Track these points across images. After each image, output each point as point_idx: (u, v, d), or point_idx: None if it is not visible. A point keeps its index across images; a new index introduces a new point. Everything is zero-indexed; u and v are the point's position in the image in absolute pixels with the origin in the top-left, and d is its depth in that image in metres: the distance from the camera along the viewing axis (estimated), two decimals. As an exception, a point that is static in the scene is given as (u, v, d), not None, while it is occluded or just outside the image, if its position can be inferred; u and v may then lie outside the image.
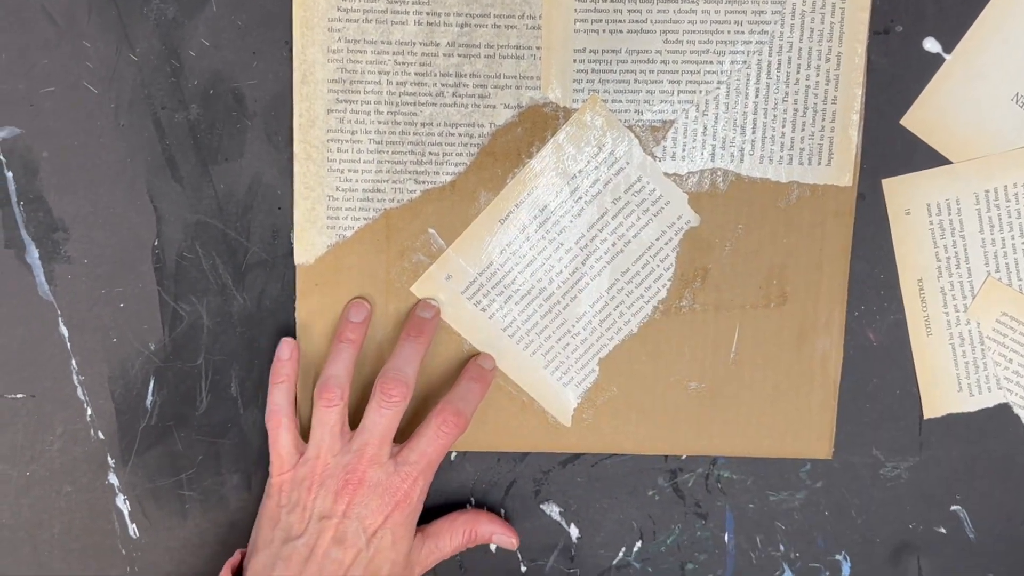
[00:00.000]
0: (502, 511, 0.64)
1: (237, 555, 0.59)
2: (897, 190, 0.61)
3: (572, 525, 0.64)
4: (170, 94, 0.60)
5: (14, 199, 0.60)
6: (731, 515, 0.64)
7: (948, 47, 0.60)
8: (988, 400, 0.63)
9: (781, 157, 0.60)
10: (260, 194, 0.61)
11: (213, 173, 0.60)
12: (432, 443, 0.59)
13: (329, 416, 0.58)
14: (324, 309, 0.61)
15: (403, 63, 0.59)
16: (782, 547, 0.64)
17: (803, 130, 0.60)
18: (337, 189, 0.60)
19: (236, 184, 0.60)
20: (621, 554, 0.64)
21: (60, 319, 0.61)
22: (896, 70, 0.60)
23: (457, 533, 0.62)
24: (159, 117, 0.60)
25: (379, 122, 0.60)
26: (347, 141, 0.60)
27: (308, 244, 0.61)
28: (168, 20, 0.59)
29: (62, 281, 0.61)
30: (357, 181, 0.60)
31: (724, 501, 0.64)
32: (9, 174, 0.60)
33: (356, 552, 0.57)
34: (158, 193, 0.60)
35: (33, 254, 0.61)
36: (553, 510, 0.64)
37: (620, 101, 0.60)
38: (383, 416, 0.58)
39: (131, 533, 0.63)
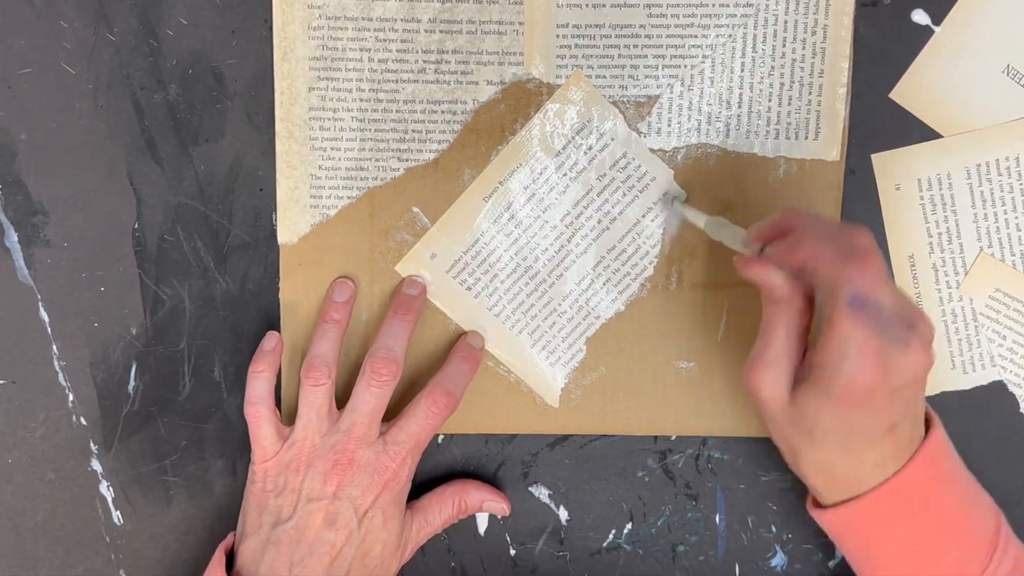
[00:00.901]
0: (491, 495, 0.63)
1: (230, 537, 0.59)
2: (887, 165, 0.60)
3: (561, 507, 0.63)
4: (149, 74, 0.59)
5: (-8, 182, 0.60)
6: (722, 496, 0.63)
7: (937, 19, 0.59)
8: (982, 378, 0.62)
9: (768, 132, 0.60)
10: (242, 175, 0.60)
11: (193, 154, 0.60)
12: (421, 423, 0.58)
13: (316, 396, 0.58)
14: (308, 289, 0.60)
15: (384, 40, 0.58)
16: (774, 528, 0.64)
17: (789, 104, 0.59)
18: (320, 167, 0.59)
19: (217, 165, 0.60)
20: (611, 536, 0.64)
21: (40, 304, 0.61)
22: (884, 43, 0.59)
23: (446, 505, 0.61)
24: (138, 98, 0.59)
25: (361, 100, 0.59)
26: (329, 119, 0.59)
27: (291, 223, 0.60)
28: (145, -2, 0.58)
29: (42, 265, 0.60)
30: (340, 159, 0.59)
31: (715, 482, 0.63)
32: (-13, 157, 0.59)
33: (347, 533, 0.56)
34: (138, 175, 0.60)
35: (12, 238, 0.60)
36: (542, 492, 0.63)
37: (604, 76, 0.59)
38: (373, 395, 0.57)
39: (115, 520, 0.63)
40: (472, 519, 0.63)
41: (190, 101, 0.59)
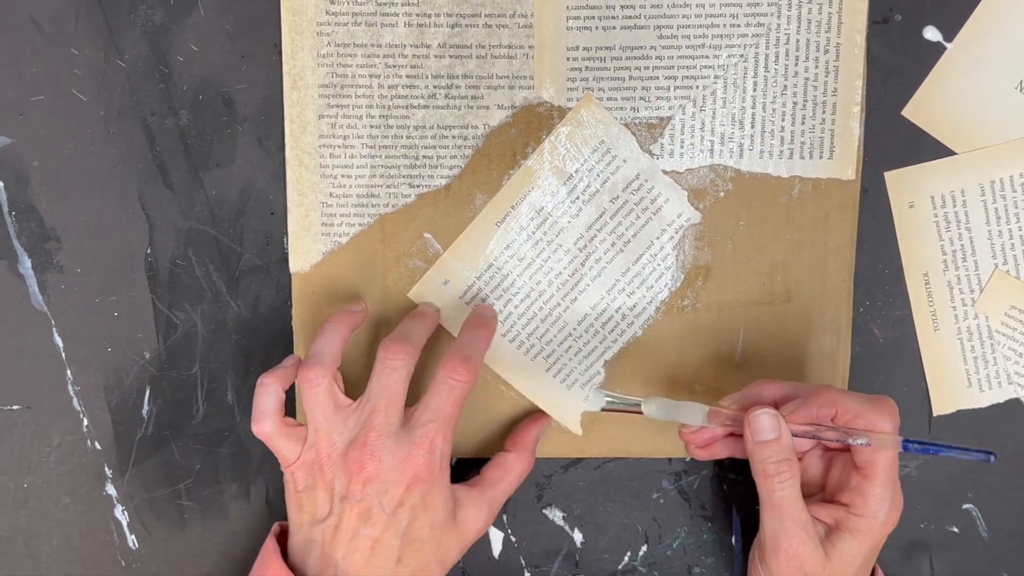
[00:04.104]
0: (504, 516, 0.63)
1: (277, 526, 0.58)
2: (900, 182, 0.60)
3: (576, 530, 0.63)
4: (159, 100, 0.59)
5: (5, 209, 0.60)
6: (738, 517, 0.63)
7: (949, 35, 0.59)
8: (998, 395, 0.62)
9: (782, 152, 0.59)
10: (252, 199, 0.60)
11: (204, 179, 0.60)
12: (444, 396, 0.54)
13: (315, 396, 0.54)
14: (321, 317, 0.60)
15: (394, 66, 0.58)
16: (790, 548, 0.63)
17: (803, 123, 0.59)
18: (331, 195, 0.59)
19: (228, 190, 0.60)
20: (627, 559, 0.64)
21: (54, 329, 0.61)
22: (896, 60, 0.59)
23: (512, 473, 0.58)
24: (149, 124, 0.59)
25: (371, 126, 0.59)
26: (339, 146, 0.59)
27: (303, 251, 0.60)
28: (156, 26, 0.58)
29: (55, 291, 0.60)
30: (351, 187, 0.59)
31: (730, 503, 0.63)
32: (0, 184, 0.59)
33: (384, 525, 0.54)
34: (150, 200, 0.60)
35: (26, 264, 0.60)
36: (556, 515, 0.63)
37: (615, 99, 0.59)
38: (387, 378, 0.54)
39: (130, 544, 0.63)
40: (486, 542, 0.63)
41: (201, 126, 0.59)
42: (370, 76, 0.58)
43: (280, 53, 0.58)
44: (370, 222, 0.60)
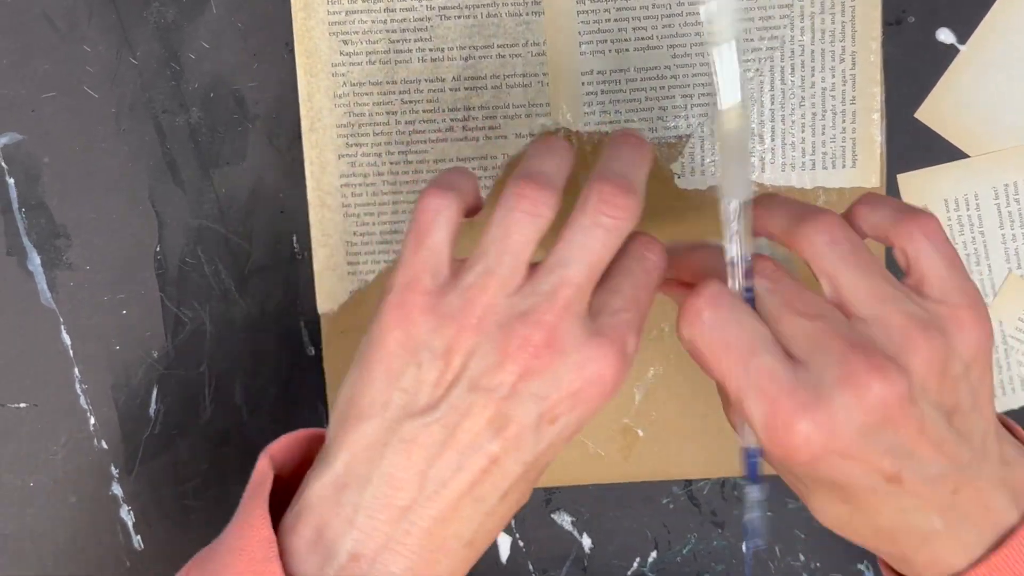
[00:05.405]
0: (512, 521, 0.62)
1: (299, 435, 0.42)
2: (913, 185, 0.60)
3: (585, 535, 0.63)
4: (171, 97, 0.59)
5: (15, 206, 0.60)
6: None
7: (963, 37, 0.59)
8: (1012, 401, 0.61)
9: (803, 163, 0.59)
10: (262, 198, 0.60)
11: (215, 177, 0.60)
12: (634, 273, 0.39)
13: (522, 230, 0.38)
14: (351, 358, 0.59)
15: (410, 101, 0.58)
16: (802, 556, 0.63)
17: (823, 134, 0.59)
18: (355, 234, 0.59)
19: (238, 188, 0.60)
20: (636, 564, 0.63)
21: (62, 327, 0.61)
22: (909, 62, 0.59)
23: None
24: (160, 121, 0.59)
25: (391, 163, 0.59)
26: (360, 185, 0.59)
27: (330, 292, 0.60)
28: (168, 23, 0.59)
29: (64, 288, 0.60)
30: (374, 224, 0.59)
31: (741, 509, 0.62)
32: (11, 180, 0.60)
33: (516, 443, 0.37)
34: (160, 198, 0.60)
35: (35, 261, 0.60)
36: (565, 520, 0.63)
37: (632, 120, 0.59)
38: (597, 239, 0.38)
39: (135, 544, 0.63)
40: (493, 547, 0.63)
41: (212, 124, 0.59)
42: (387, 113, 0.58)
43: (291, 52, 0.58)
44: (396, 258, 0.59)
